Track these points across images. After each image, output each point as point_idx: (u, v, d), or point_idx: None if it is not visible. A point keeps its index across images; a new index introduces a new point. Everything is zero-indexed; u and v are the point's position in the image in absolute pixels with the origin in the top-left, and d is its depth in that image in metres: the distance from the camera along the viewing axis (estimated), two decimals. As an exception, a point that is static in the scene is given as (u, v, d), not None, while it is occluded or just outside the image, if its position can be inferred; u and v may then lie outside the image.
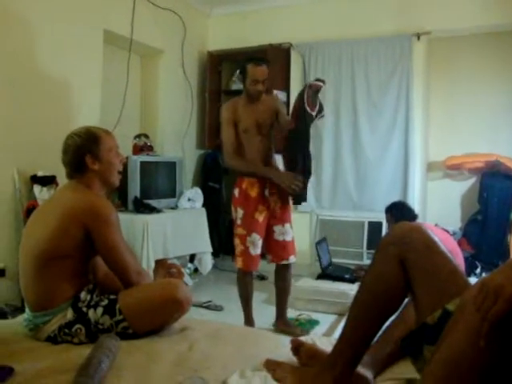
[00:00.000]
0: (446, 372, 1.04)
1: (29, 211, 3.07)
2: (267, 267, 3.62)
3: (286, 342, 1.77)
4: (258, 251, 3.20)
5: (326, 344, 1.71)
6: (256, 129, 3.20)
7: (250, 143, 3.20)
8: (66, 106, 3.75)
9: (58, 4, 3.65)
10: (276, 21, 5.15)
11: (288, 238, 3.25)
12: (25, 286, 1.94)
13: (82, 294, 1.92)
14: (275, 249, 3.26)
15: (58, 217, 1.87)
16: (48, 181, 3.38)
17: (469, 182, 5.04)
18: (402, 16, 4.64)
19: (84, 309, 1.88)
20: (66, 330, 1.85)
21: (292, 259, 3.27)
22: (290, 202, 3.28)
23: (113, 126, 3.95)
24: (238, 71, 5.19)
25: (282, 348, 1.77)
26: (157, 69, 4.92)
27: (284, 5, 5.08)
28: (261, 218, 3.18)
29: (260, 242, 3.19)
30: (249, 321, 3.34)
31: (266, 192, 3.19)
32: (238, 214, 3.21)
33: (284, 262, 3.27)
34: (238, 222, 3.21)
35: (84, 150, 1.99)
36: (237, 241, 3.23)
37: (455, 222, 4.97)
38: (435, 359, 1.10)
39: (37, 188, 3.34)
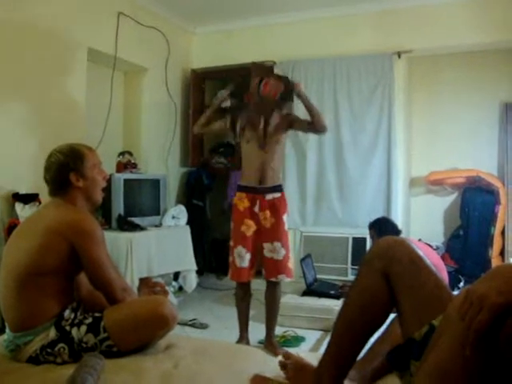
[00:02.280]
0: (434, 380, 1.05)
1: (10, 229, 3.03)
2: (255, 285, 3.61)
3: (272, 357, 1.76)
4: (245, 264, 3.21)
5: (313, 359, 1.70)
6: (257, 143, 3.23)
7: (250, 157, 3.25)
8: (50, 123, 3.73)
9: (43, 21, 3.64)
10: (259, 39, 5.21)
11: (278, 257, 3.20)
12: (5, 305, 1.90)
13: (66, 313, 1.89)
14: (265, 265, 3.26)
15: (42, 233, 1.85)
16: (30, 198, 3.34)
17: (451, 198, 5.11)
18: (384, 35, 4.73)
19: (67, 327, 1.85)
20: (49, 350, 1.82)
21: (282, 278, 3.22)
22: (284, 219, 3.25)
23: (96, 143, 3.93)
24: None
25: (268, 364, 1.77)
26: (140, 86, 4.92)
27: (267, 23, 5.14)
28: (249, 232, 3.21)
29: (247, 256, 3.21)
30: (241, 337, 3.34)
31: (256, 208, 3.21)
32: (231, 226, 3.28)
33: (272, 280, 3.25)
34: (231, 234, 3.28)
35: (68, 168, 1.98)
36: (230, 252, 3.29)
37: (438, 238, 5.02)
38: (423, 368, 1.10)
39: (19, 206, 3.30)
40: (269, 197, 3.22)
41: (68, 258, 1.86)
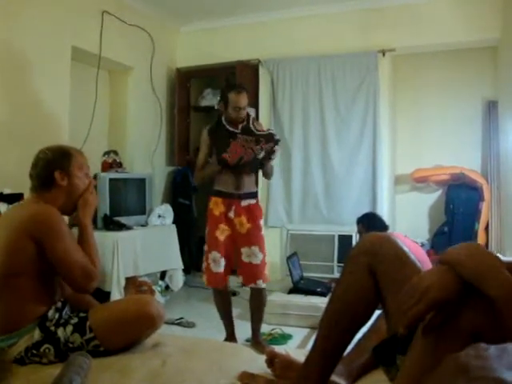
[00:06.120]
0: (414, 374, 1.06)
1: (-6, 230, 3.00)
2: (238, 284, 3.60)
3: (260, 355, 1.76)
4: (220, 269, 3.18)
5: (300, 355, 1.71)
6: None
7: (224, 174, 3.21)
8: (33, 122, 3.69)
9: (26, 21, 3.61)
10: (244, 37, 5.20)
11: (255, 261, 3.16)
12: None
13: (50, 313, 1.87)
14: (244, 270, 3.22)
15: (8, 232, 1.83)
16: (15, 198, 3.29)
17: (435, 195, 5.16)
18: (368, 33, 4.75)
19: (52, 328, 1.83)
20: (34, 351, 1.79)
21: (260, 284, 3.18)
22: (261, 224, 3.24)
23: (81, 142, 3.91)
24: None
25: (256, 361, 1.77)
26: (125, 85, 4.90)
27: (252, 22, 5.14)
28: (222, 237, 3.18)
29: (222, 261, 3.18)
30: (228, 336, 3.33)
31: (231, 213, 3.18)
32: (206, 231, 3.25)
33: (252, 286, 3.22)
34: (205, 238, 3.25)
35: (54, 165, 1.97)
36: (204, 257, 3.25)
37: (423, 234, 5.06)
38: (406, 363, 1.12)
39: (3, 206, 3.26)
40: (244, 203, 3.20)
41: (37, 255, 1.82)
